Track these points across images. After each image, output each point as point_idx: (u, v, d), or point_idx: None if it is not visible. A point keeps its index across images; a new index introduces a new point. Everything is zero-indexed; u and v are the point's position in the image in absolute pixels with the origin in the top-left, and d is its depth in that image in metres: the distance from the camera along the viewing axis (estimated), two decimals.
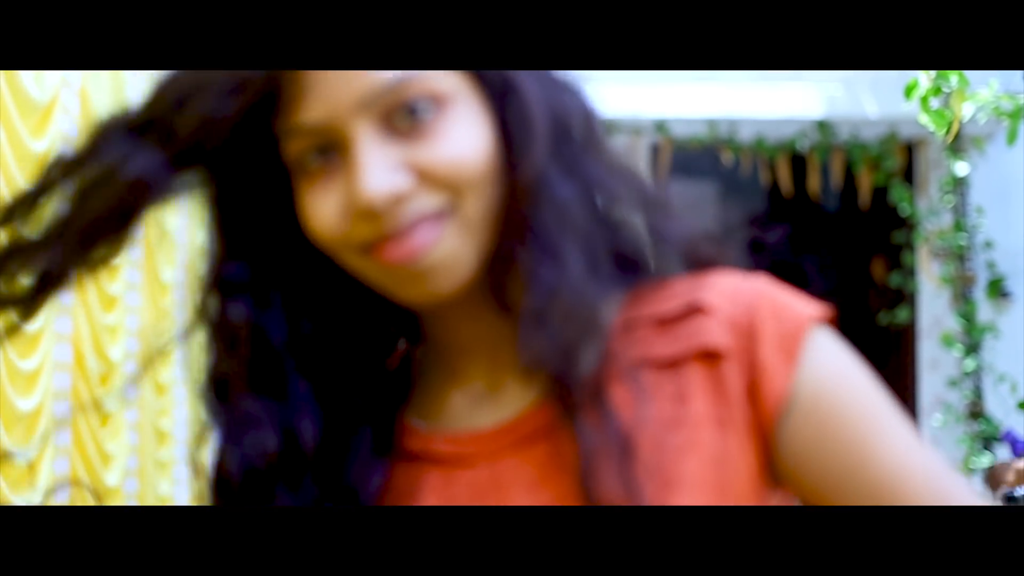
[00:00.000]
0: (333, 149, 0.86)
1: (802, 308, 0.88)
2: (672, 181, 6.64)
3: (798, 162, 6.33)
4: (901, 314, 6.10)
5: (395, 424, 0.95)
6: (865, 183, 6.20)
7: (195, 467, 0.97)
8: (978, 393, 5.56)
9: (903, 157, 6.17)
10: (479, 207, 0.86)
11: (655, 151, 6.27)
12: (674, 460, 0.85)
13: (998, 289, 5.78)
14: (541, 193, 0.87)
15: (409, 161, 0.85)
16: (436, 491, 0.91)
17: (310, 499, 0.90)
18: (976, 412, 5.46)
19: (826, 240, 8.16)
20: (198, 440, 0.97)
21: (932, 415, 5.90)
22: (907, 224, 6.06)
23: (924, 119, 2.48)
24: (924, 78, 2.41)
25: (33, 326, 3.02)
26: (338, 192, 0.85)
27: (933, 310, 6.08)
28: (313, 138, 0.85)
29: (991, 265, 5.78)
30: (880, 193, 6.23)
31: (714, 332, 0.87)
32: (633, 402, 0.86)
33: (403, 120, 0.85)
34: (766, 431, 0.87)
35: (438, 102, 0.85)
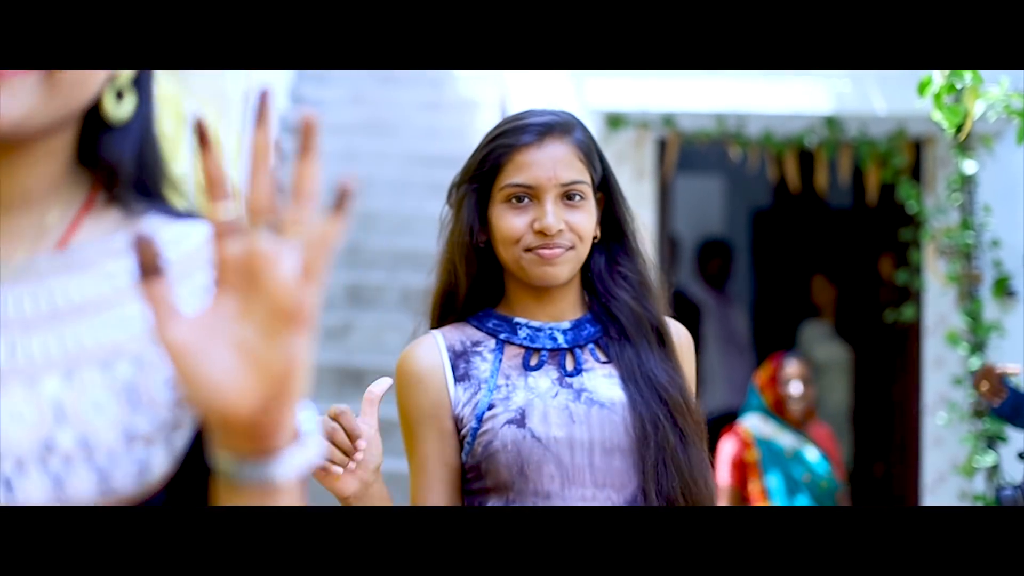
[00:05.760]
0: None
1: None
2: (679, 176, 6.63)
3: (806, 158, 6.31)
4: (907, 312, 6.08)
5: None
6: (873, 180, 6.18)
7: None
8: None
9: (911, 154, 6.14)
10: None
11: (663, 145, 6.26)
12: None
13: (1004, 288, 5.77)
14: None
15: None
16: None
17: None
18: (980, 411, 5.44)
19: (833, 236, 8.15)
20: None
21: (936, 413, 5.89)
22: (914, 221, 6.04)
23: (937, 116, 2.47)
24: (938, 75, 2.40)
25: None
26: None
27: (939, 308, 6.07)
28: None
29: (997, 264, 5.76)
30: (888, 190, 6.21)
31: None
32: None
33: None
34: None
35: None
